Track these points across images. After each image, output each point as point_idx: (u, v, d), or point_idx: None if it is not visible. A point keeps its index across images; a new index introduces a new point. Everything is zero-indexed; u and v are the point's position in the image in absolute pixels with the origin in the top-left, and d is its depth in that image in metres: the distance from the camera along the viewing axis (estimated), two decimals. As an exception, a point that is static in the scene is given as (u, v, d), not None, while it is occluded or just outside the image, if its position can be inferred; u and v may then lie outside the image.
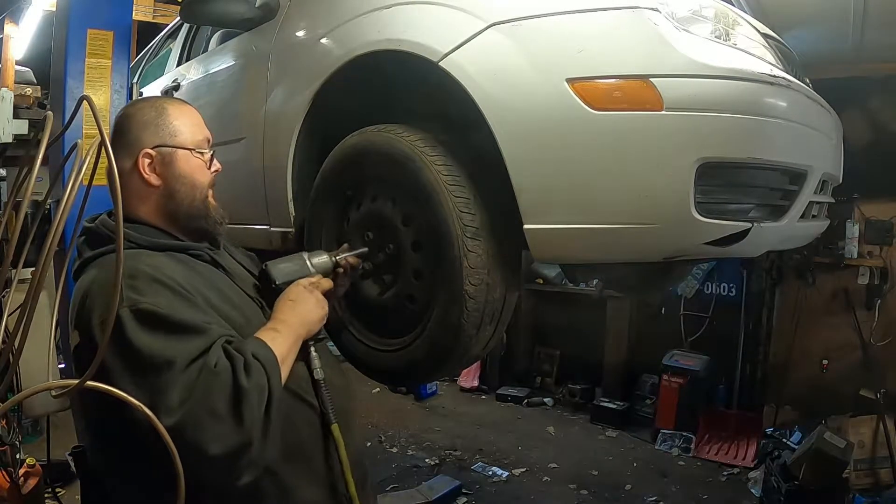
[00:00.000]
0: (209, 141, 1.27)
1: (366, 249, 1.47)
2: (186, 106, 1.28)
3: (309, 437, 1.17)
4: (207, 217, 1.24)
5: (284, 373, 1.09)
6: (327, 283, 1.29)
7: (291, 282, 1.23)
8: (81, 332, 1.05)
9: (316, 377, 1.18)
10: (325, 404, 1.17)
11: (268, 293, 1.24)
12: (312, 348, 1.20)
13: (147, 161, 1.17)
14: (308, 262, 1.29)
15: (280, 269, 1.25)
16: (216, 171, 1.27)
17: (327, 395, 1.18)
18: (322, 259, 1.32)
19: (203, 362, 0.98)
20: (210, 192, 1.26)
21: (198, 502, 0.93)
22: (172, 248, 1.17)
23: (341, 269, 1.36)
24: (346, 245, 1.45)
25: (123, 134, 1.19)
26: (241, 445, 0.96)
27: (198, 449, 0.93)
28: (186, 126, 1.22)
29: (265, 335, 1.10)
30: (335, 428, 1.16)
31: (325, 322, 1.24)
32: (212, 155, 1.27)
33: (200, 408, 0.94)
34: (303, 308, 1.19)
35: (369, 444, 4.06)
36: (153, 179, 1.18)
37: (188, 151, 1.21)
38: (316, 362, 1.19)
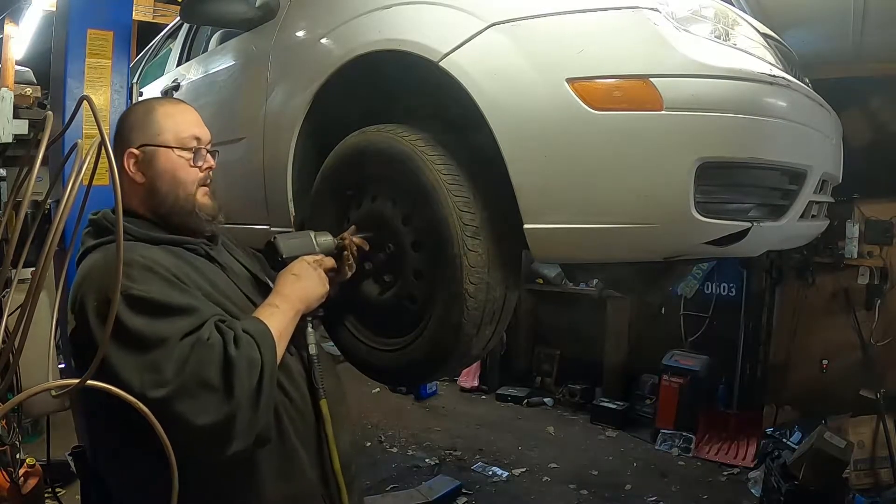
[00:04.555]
0: (200, 139, 1.27)
1: (370, 234, 1.48)
2: (181, 105, 1.30)
3: (300, 411, 1.19)
4: (192, 213, 1.24)
5: (282, 347, 1.12)
6: (330, 262, 1.33)
7: (296, 257, 1.28)
8: (76, 316, 1.07)
9: (310, 352, 1.22)
10: (316, 380, 1.20)
11: (273, 265, 1.30)
12: (310, 325, 1.24)
13: (132, 160, 1.21)
14: (314, 241, 1.33)
15: (287, 243, 1.30)
16: (209, 168, 1.27)
17: (319, 372, 1.21)
18: (327, 238, 1.37)
19: (196, 337, 1.01)
20: (202, 189, 1.26)
21: (195, 488, 0.93)
22: (168, 242, 1.19)
23: (345, 250, 1.39)
24: (353, 227, 1.49)
25: (116, 135, 1.26)
26: (228, 415, 0.98)
27: (185, 420, 0.95)
28: (172, 125, 1.23)
29: (263, 311, 1.14)
30: (324, 403, 1.20)
31: (324, 300, 1.27)
32: (205, 152, 1.27)
33: (192, 379, 0.97)
34: (305, 283, 1.23)
35: (369, 444, 4.06)
36: (137, 177, 1.21)
37: (169, 149, 1.22)
38: (311, 338, 1.23)
